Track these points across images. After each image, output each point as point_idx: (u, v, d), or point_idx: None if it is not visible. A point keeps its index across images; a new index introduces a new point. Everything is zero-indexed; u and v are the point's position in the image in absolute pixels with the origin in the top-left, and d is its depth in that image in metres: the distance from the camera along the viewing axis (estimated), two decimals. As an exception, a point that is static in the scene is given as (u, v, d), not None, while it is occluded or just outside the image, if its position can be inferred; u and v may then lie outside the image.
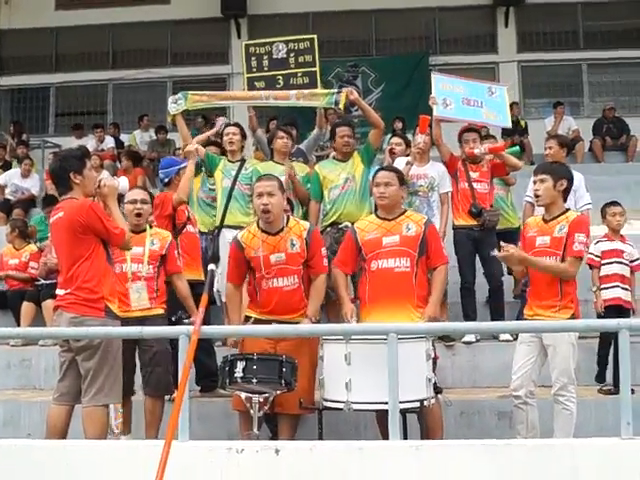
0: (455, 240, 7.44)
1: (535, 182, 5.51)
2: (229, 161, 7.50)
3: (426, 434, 5.30)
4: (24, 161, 13.19)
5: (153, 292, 5.85)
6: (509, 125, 8.01)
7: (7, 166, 13.80)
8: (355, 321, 5.28)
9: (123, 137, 15.21)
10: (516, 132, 13.37)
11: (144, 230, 5.99)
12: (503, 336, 7.10)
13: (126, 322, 5.40)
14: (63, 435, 5.09)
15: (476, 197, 7.29)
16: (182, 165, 7.06)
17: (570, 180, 5.48)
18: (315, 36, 8.04)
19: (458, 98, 7.34)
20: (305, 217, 7.27)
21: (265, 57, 7.89)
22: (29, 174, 13.02)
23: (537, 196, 5.52)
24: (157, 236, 6.01)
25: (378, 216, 5.58)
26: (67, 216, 5.08)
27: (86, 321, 4.97)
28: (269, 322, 5.38)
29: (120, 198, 5.63)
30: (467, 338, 7.13)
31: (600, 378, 6.57)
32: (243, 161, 7.52)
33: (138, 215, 5.93)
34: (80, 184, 5.15)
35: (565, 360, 5.23)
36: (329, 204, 7.15)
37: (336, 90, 7.32)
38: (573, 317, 5.26)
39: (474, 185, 7.34)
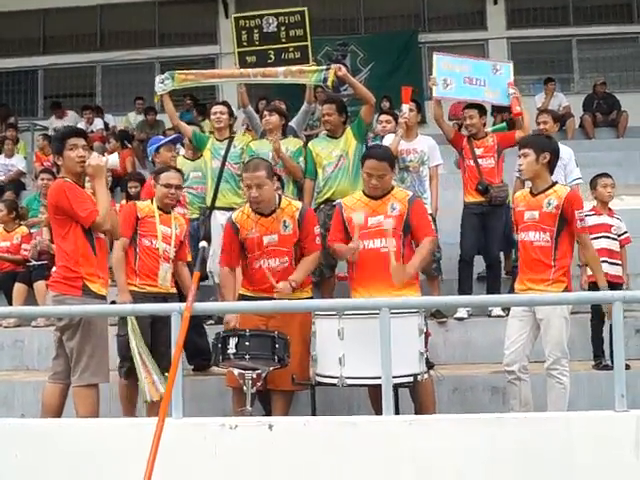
0: (463, 217, 7.45)
1: (519, 157, 5.50)
2: (217, 139, 7.47)
3: (419, 409, 5.31)
4: (5, 142, 13.14)
5: (173, 274, 6.01)
6: (507, 103, 7.90)
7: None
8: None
9: (108, 118, 15.16)
10: (506, 109, 13.28)
11: (169, 212, 6.08)
12: (495, 312, 7.12)
13: (153, 298, 5.60)
14: (58, 413, 5.10)
15: (482, 173, 7.27)
16: (162, 142, 7.08)
17: (554, 152, 5.43)
18: (305, 9, 7.86)
19: (460, 77, 7.28)
20: (298, 194, 7.25)
21: (256, 31, 7.76)
22: (12, 154, 12.98)
23: (520, 170, 5.52)
24: (178, 221, 6.13)
25: (365, 193, 5.54)
26: (47, 196, 5.23)
27: (66, 299, 5.00)
28: (261, 299, 5.37)
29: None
30: (459, 314, 7.15)
31: (597, 357, 6.50)
32: (231, 139, 7.48)
33: (172, 199, 6.04)
34: (62, 165, 5.17)
35: (558, 334, 5.24)
36: (322, 181, 7.10)
37: (324, 67, 7.23)
38: (566, 290, 5.26)
39: (479, 161, 7.30)
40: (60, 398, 5.15)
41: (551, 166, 5.44)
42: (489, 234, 7.31)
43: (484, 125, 7.60)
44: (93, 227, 5.14)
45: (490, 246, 7.35)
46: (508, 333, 5.46)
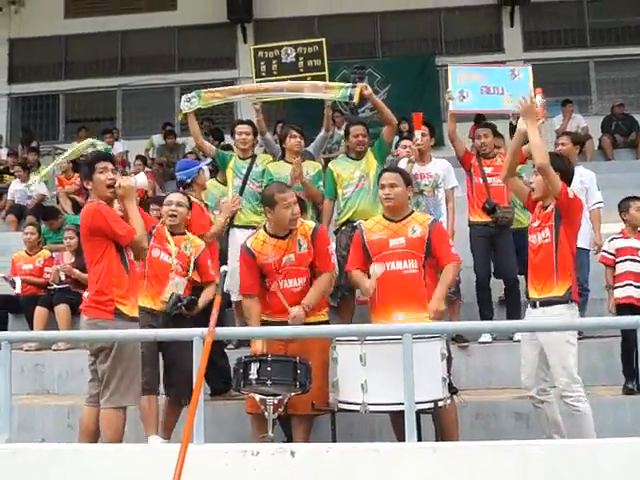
0: (471, 237, 7.40)
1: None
2: (240, 158, 7.47)
3: (441, 435, 5.25)
4: (15, 168, 13.31)
5: (186, 294, 5.93)
6: None
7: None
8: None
9: (123, 143, 15.29)
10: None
11: (182, 233, 6.09)
12: (517, 336, 7.05)
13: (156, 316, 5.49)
14: (95, 436, 5.10)
15: (490, 192, 7.24)
16: (201, 164, 7.08)
17: (563, 171, 5.29)
18: (324, 40, 7.89)
19: (477, 87, 7.16)
20: (317, 218, 7.24)
21: (274, 61, 7.78)
22: (25, 178, 13.00)
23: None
24: (190, 242, 6.09)
25: (385, 217, 5.56)
26: (81, 220, 5.23)
27: (98, 323, 5.02)
28: (280, 324, 5.37)
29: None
30: (483, 338, 7.10)
31: (628, 375, 6.28)
32: (254, 158, 7.49)
33: (172, 216, 6.02)
34: (92, 189, 5.22)
35: (561, 359, 5.10)
36: (343, 202, 7.11)
37: (351, 85, 7.20)
38: (569, 291, 5.15)
39: (488, 180, 7.27)
40: (96, 420, 5.11)
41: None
42: (501, 256, 7.26)
43: (495, 147, 7.59)
44: (132, 245, 5.18)
45: (505, 269, 7.30)
46: (522, 357, 5.43)
